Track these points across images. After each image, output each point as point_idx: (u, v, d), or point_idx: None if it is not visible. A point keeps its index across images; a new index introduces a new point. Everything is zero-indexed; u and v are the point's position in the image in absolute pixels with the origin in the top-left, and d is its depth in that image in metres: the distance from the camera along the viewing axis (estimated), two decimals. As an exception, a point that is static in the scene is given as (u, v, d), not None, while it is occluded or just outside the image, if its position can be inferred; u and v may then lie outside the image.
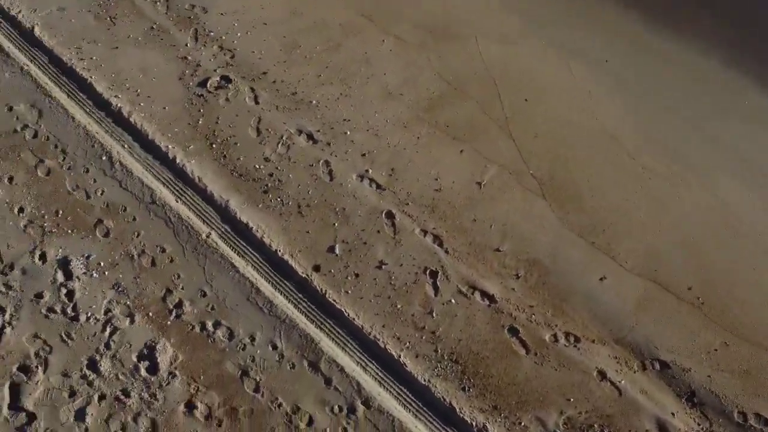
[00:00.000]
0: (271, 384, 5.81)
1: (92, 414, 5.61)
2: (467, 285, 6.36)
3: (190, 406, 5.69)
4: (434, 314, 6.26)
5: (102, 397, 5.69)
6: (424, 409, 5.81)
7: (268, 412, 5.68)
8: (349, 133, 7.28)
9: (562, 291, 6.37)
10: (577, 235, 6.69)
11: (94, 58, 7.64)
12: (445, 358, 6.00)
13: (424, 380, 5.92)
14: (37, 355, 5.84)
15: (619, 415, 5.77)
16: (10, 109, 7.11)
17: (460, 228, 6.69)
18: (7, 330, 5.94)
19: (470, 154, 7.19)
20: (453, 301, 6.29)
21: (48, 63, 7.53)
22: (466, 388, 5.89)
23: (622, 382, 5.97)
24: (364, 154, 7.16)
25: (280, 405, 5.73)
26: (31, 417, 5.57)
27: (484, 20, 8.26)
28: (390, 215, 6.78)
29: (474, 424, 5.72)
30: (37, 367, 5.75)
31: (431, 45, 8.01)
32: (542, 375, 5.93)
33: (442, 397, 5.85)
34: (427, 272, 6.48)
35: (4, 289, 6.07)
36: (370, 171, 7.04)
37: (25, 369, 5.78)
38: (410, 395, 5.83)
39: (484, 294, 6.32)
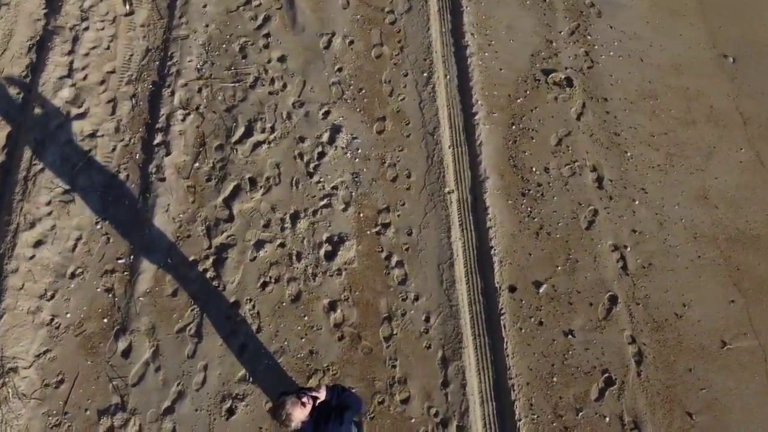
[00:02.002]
0: (401, 344, 5.95)
1: (267, 251, 6.29)
2: (634, 417, 5.74)
3: (333, 306, 6.07)
4: (580, 415, 5.76)
5: (282, 246, 6.34)
6: None
7: (380, 364, 5.85)
8: (637, 203, 6.85)
9: None
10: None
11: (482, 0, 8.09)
12: (558, 458, 5.56)
13: None
14: (267, 179, 6.65)
15: None
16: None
17: (669, 365, 6.03)
18: (264, 146, 6.81)
19: (738, 310, 6.32)
20: (607, 419, 5.75)
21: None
22: None
23: None
24: (634, 231, 6.71)
25: (394, 366, 5.83)
26: (231, 218, 6.39)
27: None
28: (613, 300, 6.33)
29: None
30: (261, 187, 6.56)
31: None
32: None
33: (526, 487, 5.43)
34: (605, 375, 5.96)
35: (284, 117, 6.94)
36: (629, 249, 6.60)
37: (253, 181, 6.62)
38: None
39: None
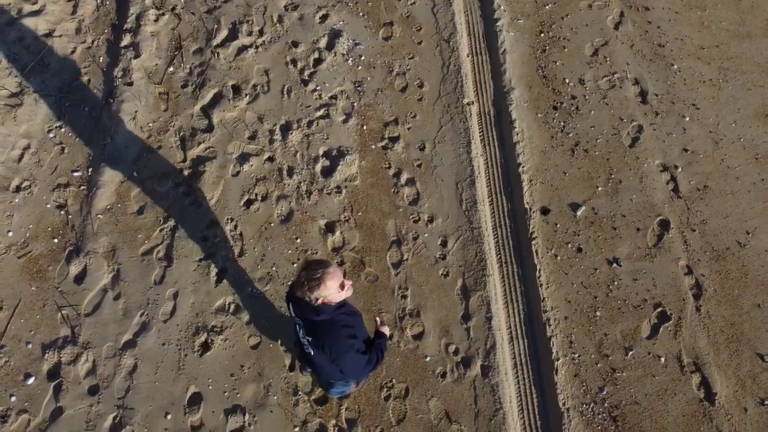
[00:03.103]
0: (413, 272, 4.92)
1: (252, 165, 5.26)
2: (694, 358, 4.69)
3: (330, 228, 5.05)
4: (629, 354, 4.70)
5: (270, 160, 5.31)
6: (538, 426, 4.42)
7: (388, 293, 4.83)
8: (687, 119, 5.80)
9: None
10: None
11: None
12: (605, 404, 4.59)
13: (563, 404, 4.48)
14: (254, 86, 5.63)
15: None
16: None
17: (733, 299, 4.99)
18: (250, 51, 5.78)
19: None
20: (662, 360, 4.74)
21: None
22: None
23: None
24: (686, 150, 5.64)
25: (404, 296, 4.79)
26: (210, 128, 5.35)
27: None
28: (665, 225, 5.27)
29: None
30: (246, 95, 5.55)
31: None
32: None
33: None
34: (658, 310, 4.89)
35: (275, 20, 5.91)
36: (680, 170, 5.54)
37: (237, 88, 5.62)
38: (535, 403, 4.49)
39: (705, 381, 4.59)
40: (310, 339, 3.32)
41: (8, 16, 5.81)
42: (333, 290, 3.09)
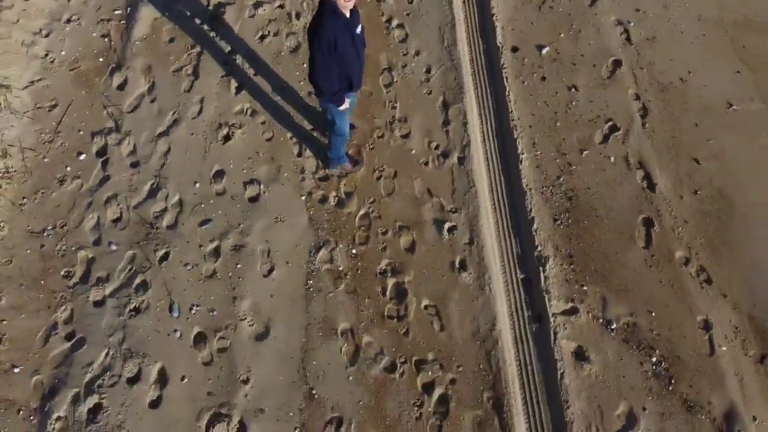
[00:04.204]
0: (401, 91, 5.99)
1: (265, 10, 6.32)
2: (639, 159, 5.68)
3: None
4: (584, 154, 5.66)
5: (281, 7, 6.37)
6: (505, 203, 5.52)
7: (380, 105, 5.94)
8: None
9: (730, 238, 5.42)
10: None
11: None
12: (562, 188, 5.50)
13: (526, 186, 5.43)
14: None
15: (692, 367, 4.71)
16: None
17: (674, 119, 5.96)
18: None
19: (743, 79, 6.29)
20: (612, 159, 5.69)
21: None
22: (558, 222, 5.33)
23: (723, 349, 4.80)
24: (638, 10, 6.64)
25: (394, 108, 5.88)
26: None
27: None
28: (617, 64, 6.29)
29: (539, 249, 5.20)
30: None
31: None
32: (641, 273, 5.12)
33: (531, 208, 5.32)
34: (609, 123, 5.87)
35: None
36: (632, 24, 6.54)
37: None
38: (503, 184, 5.58)
39: (648, 175, 5.57)
40: None
41: None
42: None
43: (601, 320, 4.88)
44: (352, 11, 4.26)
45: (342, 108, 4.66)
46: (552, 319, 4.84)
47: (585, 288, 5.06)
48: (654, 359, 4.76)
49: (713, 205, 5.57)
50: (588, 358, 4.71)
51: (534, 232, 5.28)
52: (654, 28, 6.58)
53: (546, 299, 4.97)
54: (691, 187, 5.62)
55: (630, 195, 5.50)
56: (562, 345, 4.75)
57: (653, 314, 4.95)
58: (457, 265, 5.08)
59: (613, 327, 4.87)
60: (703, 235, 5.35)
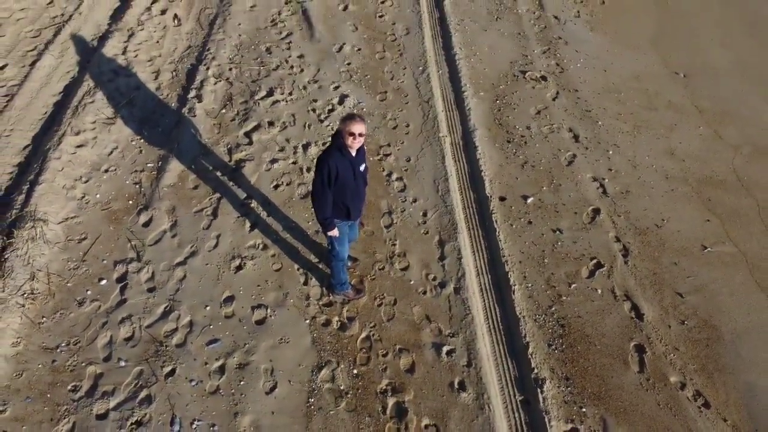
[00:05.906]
0: (400, 230, 6.45)
1: (280, 165, 7.06)
2: (625, 291, 6.01)
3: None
4: (572, 286, 6.06)
5: (294, 163, 7.07)
6: (500, 329, 5.70)
7: (381, 243, 6.34)
8: (611, 153, 7.69)
9: (723, 364, 5.56)
10: (781, 333, 5.72)
11: (467, 29, 9.75)
12: (554, 316, 5.77)
13: (520, 313, 5.75)
14: (283, 123, 7.62)
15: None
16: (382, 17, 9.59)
17: (654, 258, 6.43)
18: (282, 103, 7.89)
19: (714, 226, 6.85)
20: (599, 291, 6.02)
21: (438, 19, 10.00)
22: (553, 347, 5.53)
23: (728, 472, 4.78)
24: (610, 169, 7.45)
25: (394, 245, 6.29)
26: (250, 143, 7.30)
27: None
28: (597, 212, 6.89)
29: (536, 372, 5.31)
30: (278, 126, 7.56)
31: (743, 155, 7.98)
32: (639, 396, 5.23)
33: (525, 333, 5.57)
34: (593, 261, 6.34)
35: (301, 87, 8.11)
36: (607, 180, 7.29)
37: (271, 123, 7.63)
38: (497, 311, 5.82)
39: (635, 306, 5.91)
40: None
41: (109, 76, 7.98)
42: (363, 127, 4.62)
43: (601, 437, 4.82)
44: (358, 150, 4.82)
45: (332, 234, 5.07)
46: (552, 437, 4.80)
47: (584, 409, 5.06)
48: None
49: (701, 334, 5.72)
50: (591, 473, 4.57)
51: (530, 356, 5.38)
52: (627, 183, 7.24)
53: (546, 419, 4.94)
54: (677, 318, 5.83)
55: (619, 323, 5.70)
56: (564, 461, 4.64)
57: (654, 432, 4.90)
58: (456, 386, 5.13)
59: (614, 444, 4.79)
60: (695, 362, 5.45)
